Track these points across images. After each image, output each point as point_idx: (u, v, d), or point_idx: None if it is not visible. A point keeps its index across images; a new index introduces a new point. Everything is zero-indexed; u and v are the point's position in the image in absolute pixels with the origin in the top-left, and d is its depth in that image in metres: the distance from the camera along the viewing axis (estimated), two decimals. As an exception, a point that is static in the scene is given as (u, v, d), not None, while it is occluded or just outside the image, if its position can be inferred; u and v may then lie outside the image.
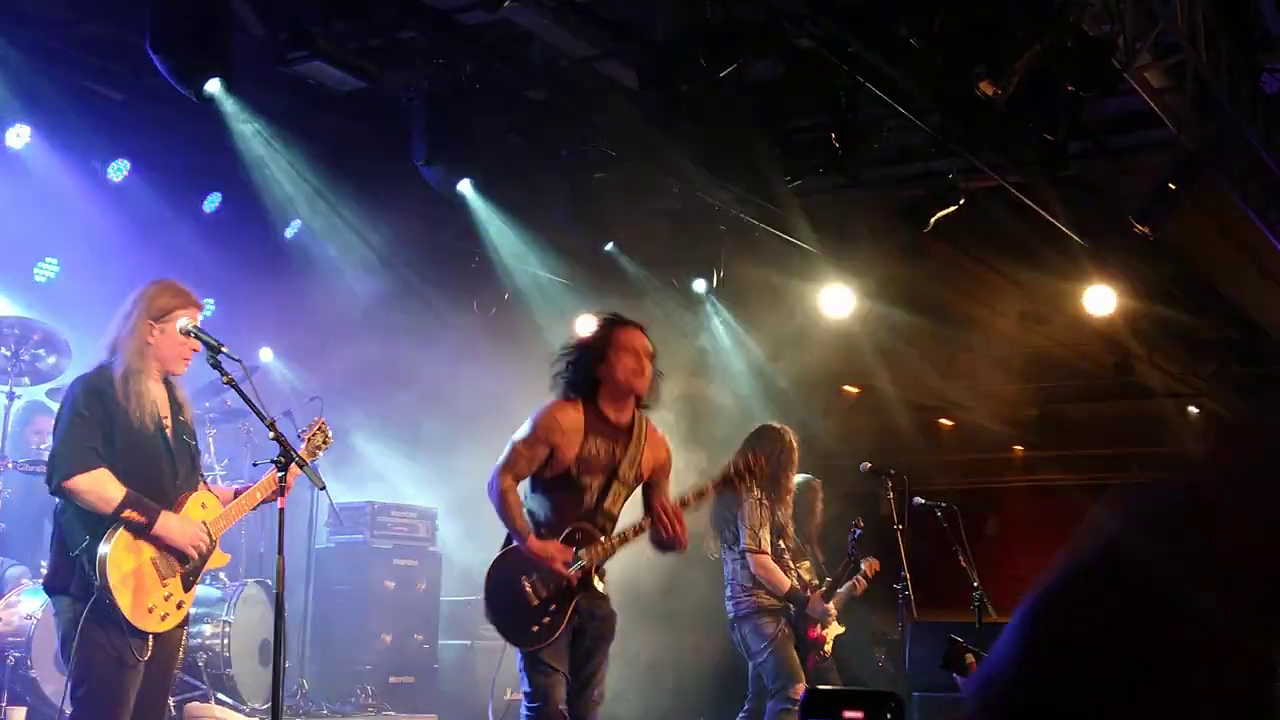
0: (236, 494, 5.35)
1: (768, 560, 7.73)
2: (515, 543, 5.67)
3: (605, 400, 5.76)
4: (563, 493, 5.70)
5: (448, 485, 10.18)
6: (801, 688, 7.65)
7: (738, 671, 8.26)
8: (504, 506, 5.60)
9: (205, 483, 5.33)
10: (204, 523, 5.17)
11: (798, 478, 8.65)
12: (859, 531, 8.23)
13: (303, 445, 5.54)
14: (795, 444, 7.92)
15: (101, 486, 4.84)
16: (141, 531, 4.91)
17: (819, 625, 7.93)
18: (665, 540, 5.73)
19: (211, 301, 8.49)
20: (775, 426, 7.98)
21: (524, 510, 5.69)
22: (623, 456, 5.77)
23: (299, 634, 8.67)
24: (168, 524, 4.97)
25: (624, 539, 5.72)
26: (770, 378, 12.04)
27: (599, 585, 5.76)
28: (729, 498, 7.78)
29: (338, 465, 9.11)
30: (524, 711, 5.65)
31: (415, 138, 8.54)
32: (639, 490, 5.93)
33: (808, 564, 8.16)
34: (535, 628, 5.60)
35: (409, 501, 10.05)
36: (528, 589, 5.60)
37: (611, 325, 5.85)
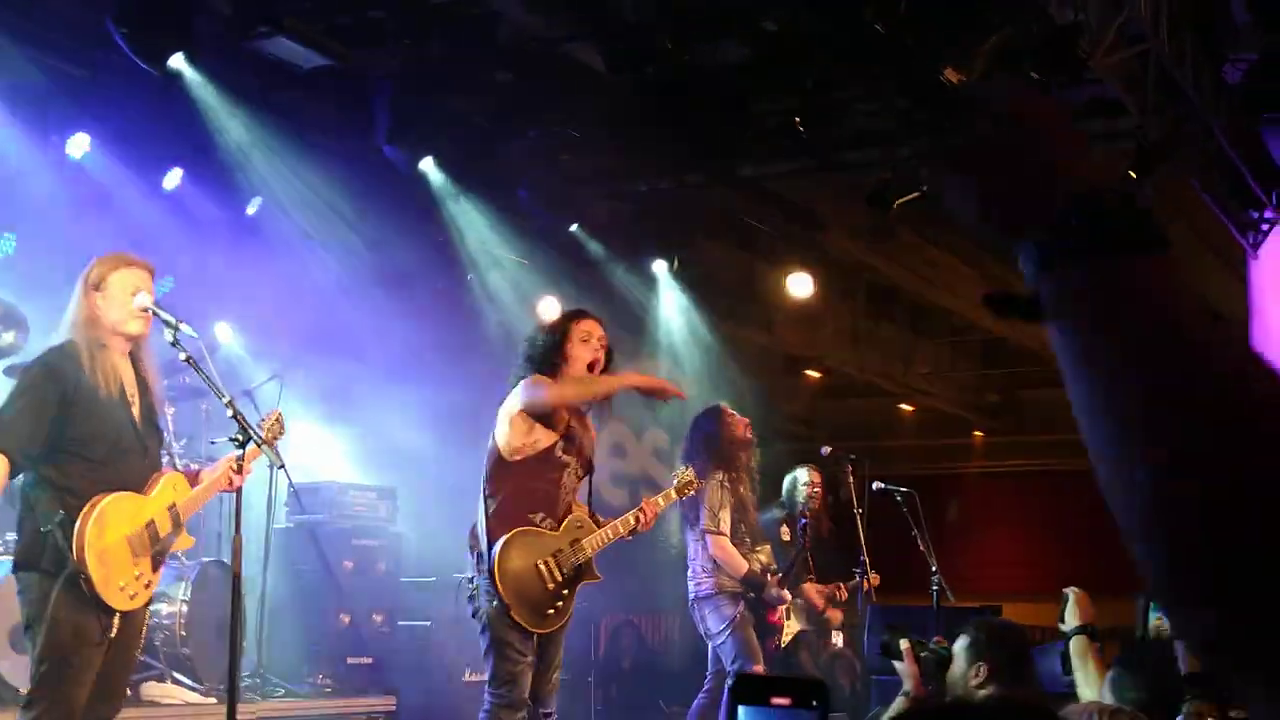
0: (194, 475, 5.30)
1: (726, 542, 7.75)
2: (511, 532, 5.67)
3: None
4: (549, 471, 5.79)
5: (402, 465, 10.13)
6: (760, 669, 7.67)
7: (697, 654, 8.29)
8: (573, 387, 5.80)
9: (173, 463, 5.30)
10: (174, 504, 5.13)
11: (800, 471, 8.76)
12: (805, 521, 8.33)
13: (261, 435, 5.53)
14: (737, 421, 7.92)
15: None
16: None
17: (777, 610, 7.97)
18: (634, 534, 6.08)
19: (171, 279, 8.39)
20: (717, 407, 8.03)
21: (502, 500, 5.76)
22: (587, 441, 5.98)
23: (256, 614, 8.61)
24: None
25: (617, 533, 5.93)
26: (732, 361, 12.06)
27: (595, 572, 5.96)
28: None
29: (292, 443, 9.05)
30: (489, 697, 5.66)
31: (379, 116, 8.49)
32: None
33: (768, 548, 8.18)
34: (551, 611, 5.73)
35: (368, 481, 10.01)
36: (545, 573, 5.68)
37: (571, 317, 6.09)
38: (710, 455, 7.72)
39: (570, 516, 5.84)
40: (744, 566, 7.76)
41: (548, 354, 5.89)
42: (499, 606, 5.60)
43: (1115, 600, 5.28)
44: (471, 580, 5.76)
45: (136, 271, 5.08)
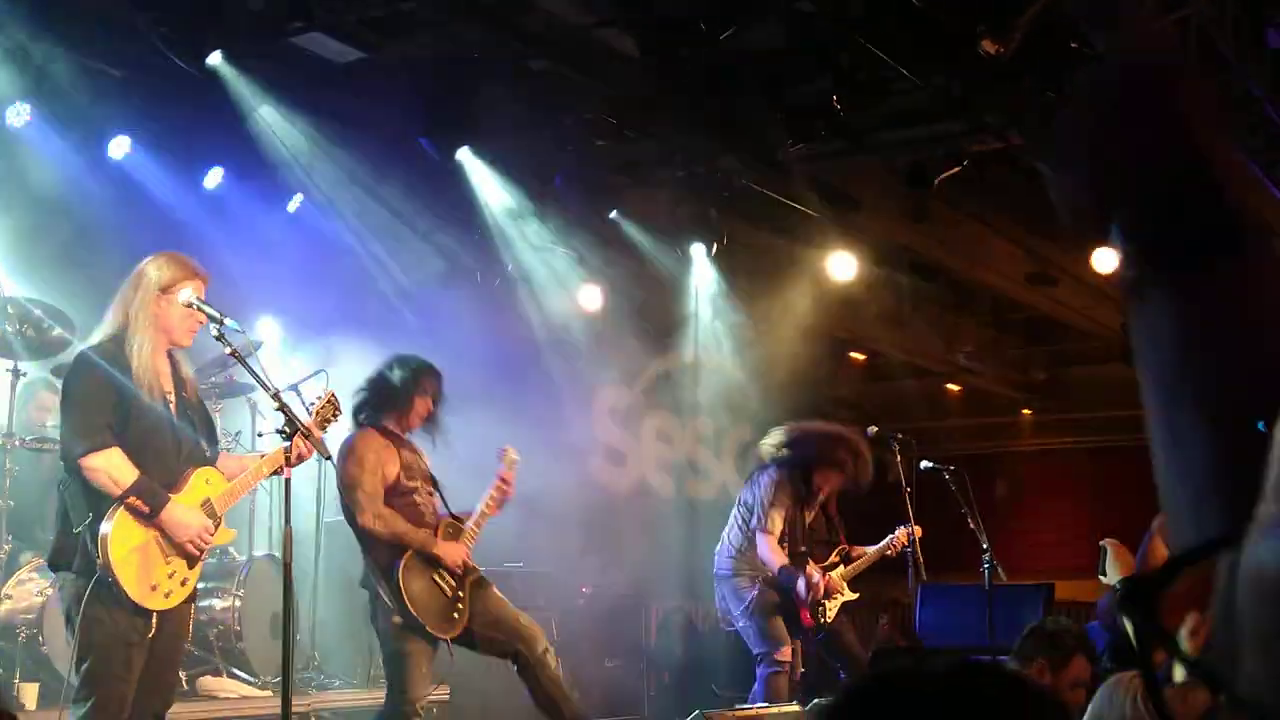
0: (239, 463, 5.33)
1: (771, 541, 7.77)
2: (403, 557, 6.18)
3: (391, 423, 6.41)
4: (406, 502, 6.30)
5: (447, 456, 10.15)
6: (788, 650, 7.70)
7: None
8: (396, 530, 6.18)
9: (213, 456, 5.29)
10: (208, 499, 5.13)
11: None
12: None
13: (311, 417, 5.52)
14: (854, 465, 8.05)
15: (114, 468, 4.81)
16: (144, 518, 4.88)
17: (810, 606, 7.89)
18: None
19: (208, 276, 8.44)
20: (854, 441, 8.16)
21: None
22: (421, 463, 6.48)
23: (309, 607, 8.67)
24: (172, 514, 4.92)
25: (485, 517, 6.49)
26: (775, 345, 12.01)
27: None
28: (756, 469, 7.97)
29: (338, 438, 9.07)
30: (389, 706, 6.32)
31: (415, 108, 8.50)
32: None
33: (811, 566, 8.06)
34: (455, 614, 6.27)
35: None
36: (441, 584, 6.25)
37: (428, 370, 6.53)
38: (796, 465, 7.83)
39: (440, 525, 6.33)
40: (777, 565, 7.77)
41: (400, 394, 6.38)
42: (403, 625, 6.11)
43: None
44: (375, 599, 6.28)
45: (200, 285, 5.12)
